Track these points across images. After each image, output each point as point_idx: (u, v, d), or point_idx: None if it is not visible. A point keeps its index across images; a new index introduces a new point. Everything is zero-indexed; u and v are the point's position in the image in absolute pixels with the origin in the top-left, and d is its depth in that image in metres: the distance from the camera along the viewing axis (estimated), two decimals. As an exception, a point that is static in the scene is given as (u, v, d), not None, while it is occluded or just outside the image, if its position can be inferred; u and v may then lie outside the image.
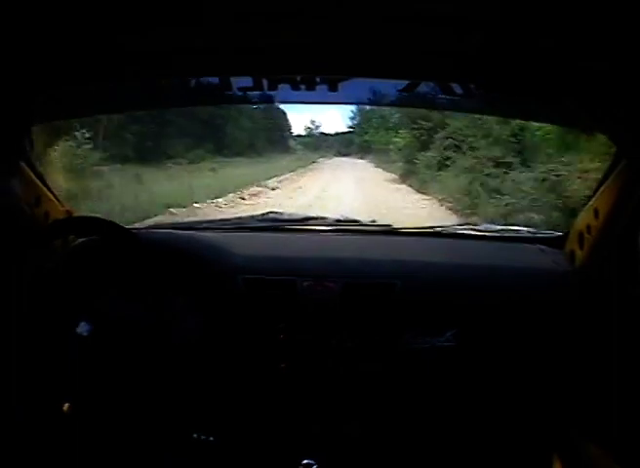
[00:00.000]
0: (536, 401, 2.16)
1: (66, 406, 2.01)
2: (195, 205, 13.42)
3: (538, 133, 11.52)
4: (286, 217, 2.69)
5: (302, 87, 1.88)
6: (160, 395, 2.07)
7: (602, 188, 2.02)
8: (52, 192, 2.27)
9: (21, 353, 1.88)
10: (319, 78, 1.85)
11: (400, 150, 19.23)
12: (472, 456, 2.13)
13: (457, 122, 14.41)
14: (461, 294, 2.14)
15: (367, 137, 27.14)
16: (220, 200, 14.64)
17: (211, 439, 2.10)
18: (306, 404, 2.13)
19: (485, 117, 11.96)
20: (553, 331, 2.11)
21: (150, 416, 2.12)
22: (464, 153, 13.91)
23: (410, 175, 17.60)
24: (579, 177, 8.83)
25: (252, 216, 2.71)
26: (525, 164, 11.79)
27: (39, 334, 1.85)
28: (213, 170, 18.31)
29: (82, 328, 1.83)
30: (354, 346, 2.10)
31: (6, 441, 1.93)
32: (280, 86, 1.90)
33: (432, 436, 2.15)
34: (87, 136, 12.40)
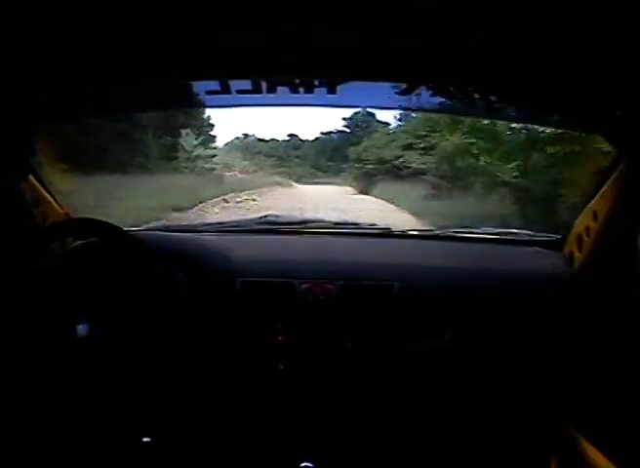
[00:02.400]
0: (534, 401, 2.16)
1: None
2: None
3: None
4: (284, 220, 2.68)
5: (301, 89, 1.88)
6: (160, 395, 2.07)
7: (601, 190, 2.02)
8: (50, 194, 2.26)
9: (22, 353, 1.87)
10: (318, 81, 1.85)
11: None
12: (471, 457, 2.12)
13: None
14: (460, 297, 2.14)
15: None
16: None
17: (211, 439, 2.09)
18: (305, 405, 2.12)
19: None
20: (552, 332, 2.11)
21: (150, 416, 2.11)
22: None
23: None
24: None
25: (250, 219, 2.71)
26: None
27: (39, 335, 1.84)
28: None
29: (81, 328, 1.83)
30: (352, 348, 2.10)
31: (6, 441, 1.92)
32: (279, 88, 1.89)
33: (431, 436, 2.15)
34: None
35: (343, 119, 18.96)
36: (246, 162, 18.63)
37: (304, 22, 1.47)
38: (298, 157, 20.45)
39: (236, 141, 20.23)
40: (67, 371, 1.93)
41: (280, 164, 19.67)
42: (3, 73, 1.56)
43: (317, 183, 18.28)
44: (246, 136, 20.02)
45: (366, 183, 16.20)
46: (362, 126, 17.85)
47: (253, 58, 1.68)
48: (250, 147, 19.83)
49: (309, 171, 19.51)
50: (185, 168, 14.78)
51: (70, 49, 1.52)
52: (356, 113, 17.08)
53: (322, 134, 20.14)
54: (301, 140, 20.76)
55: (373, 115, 16.95)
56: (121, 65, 1.68)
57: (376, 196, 15.08)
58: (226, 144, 19.90)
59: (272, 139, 20.72)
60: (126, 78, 1.83)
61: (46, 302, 1.86)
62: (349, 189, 16.95)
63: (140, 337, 1.90)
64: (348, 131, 18.97)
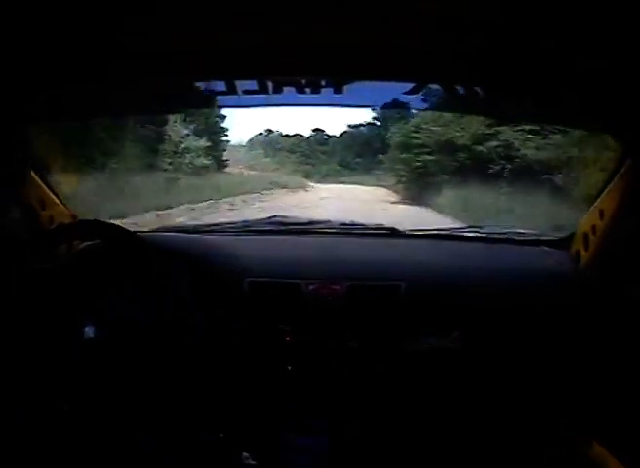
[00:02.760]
0: (539, 401, 2.15)
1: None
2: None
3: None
4: (291, 221, 2.68)
5: (307, 89, 1.88)
6: (163, 395, 2.08)
7: (607, 189, 2.01)
8: (57, 195, 2.28)
9: (25, 354, 1.89)
10: (324, 81, 1.85)
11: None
12: (475, 457, 2.12)
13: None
14: (466, 296, 2.13)
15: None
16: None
17: (211, 439, 2.10)
18: (313, 405, 2.12)
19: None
20: (558, 331, 2.10)
21: (153, 416, 2.12)
22: None
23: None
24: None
25: (257, 220, 2.71)
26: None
27: (43, 336, 1.86)
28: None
29: (87, 330, 1.84)
30: (359, 348, 2.09)
31: (6, 441, 1.94)
32: (285, 88, 1.89)
33: (435, 436, 2.15)
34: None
35: (373, 110, 14.51)
36: (267, 159, 17.19)
37: (305, 22, 1.47)
38: (324, 153, 17.93)
39: (259, 137, 18.77)
40: (70, 372, 1.94)
41: (304, 161, 17.54)
42: (3, 73, 1.58)
43: (343, 183, 14.70)
44: (270, 131, 18.54)
45: (419, 187, 10.76)
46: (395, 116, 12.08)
47: (253, 58, 1.68)
48: (273, 143, 18.39)
49: (335, 168, 16.88)
50: (168, 163, 11.78)
51: (70, 49, 1.53)
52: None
53: (350, 127, 17.51)
54: (328, 136, 18.39)
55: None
56: (121, 65, 1.69)
57: (438, 209, 9.33)
58: (250, 141, 18.43)
59: (296, 135, 18.74)
60: (126, 78, 1.83)
61: (51, 304, 1.87)
62: (388, 194, 11.99)
63: (142, 338, 1.91)
64: (379, 123, 15.75)
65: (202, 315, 2.05)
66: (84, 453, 2.02)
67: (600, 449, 1.96)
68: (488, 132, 9.44)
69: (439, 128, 10.36)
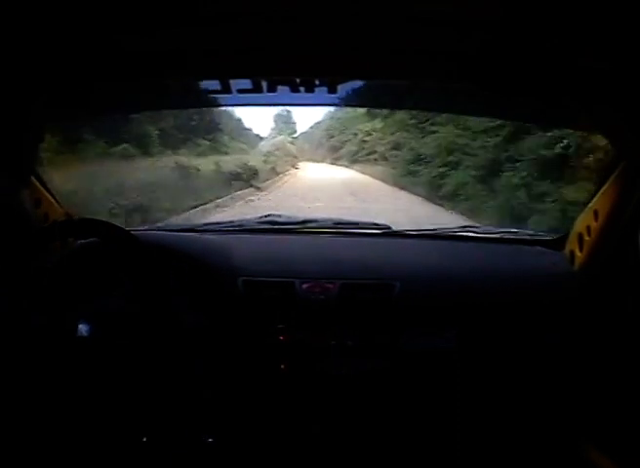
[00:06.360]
0: (535, 403, 2.16)
1: None
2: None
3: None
4: (285, 220, 2.68)
5: (302, 89, 1.88)
6: (160, 395, 2.07)
7: (602, 190, 2.02)
8: (51, 194, 2.27)
9: (22, 354, 1.87)
10: (318, 80, 1.85)
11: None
12: (472, 458, 2.12)
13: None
14: (461, 296, 2.14)
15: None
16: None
17: (211, 440, 2.09)
18: (306, 404, 2.12)
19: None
20: (553, 332, 2.11)
21: (151, 416, 2.11)
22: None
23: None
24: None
25: (251, 219, 2.71)
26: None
27: (39, 335, 1.84)
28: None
29: (82, 328, 1.83)
30: (353, 347, 2.09)
31: (6, 441, 1.93)
32: (279, 88, 1.89)
33: (432, 437, 2.15)
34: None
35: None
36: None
37: (304, 23, 1.47)
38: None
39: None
40: (68, 372, 1.93)
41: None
42: (3, 74, 1.57)
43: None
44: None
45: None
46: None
47: (253, 57, 1.68)
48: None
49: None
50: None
51: (71, 49, 1.53)
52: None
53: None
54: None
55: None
56: (121, 66, 1.68)
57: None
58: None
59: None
60: (126, 79, 1.83)
61: (46, 303, 1.86)
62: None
63: (139, 338, 1.91)
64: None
65: (197, 314, 2.04)
66: (85, 454, 2.01)
67: (599, 452, 1.97)
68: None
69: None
